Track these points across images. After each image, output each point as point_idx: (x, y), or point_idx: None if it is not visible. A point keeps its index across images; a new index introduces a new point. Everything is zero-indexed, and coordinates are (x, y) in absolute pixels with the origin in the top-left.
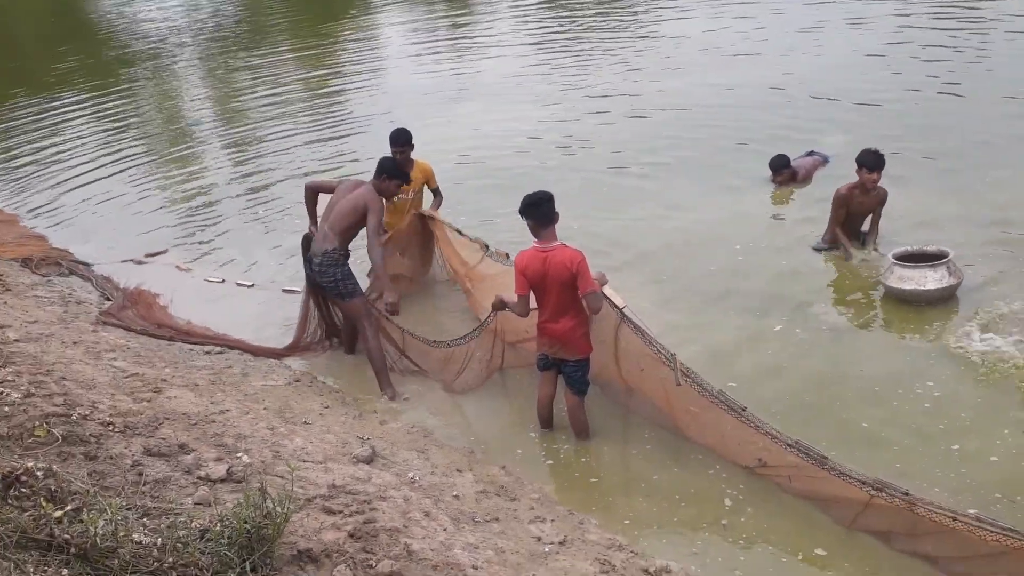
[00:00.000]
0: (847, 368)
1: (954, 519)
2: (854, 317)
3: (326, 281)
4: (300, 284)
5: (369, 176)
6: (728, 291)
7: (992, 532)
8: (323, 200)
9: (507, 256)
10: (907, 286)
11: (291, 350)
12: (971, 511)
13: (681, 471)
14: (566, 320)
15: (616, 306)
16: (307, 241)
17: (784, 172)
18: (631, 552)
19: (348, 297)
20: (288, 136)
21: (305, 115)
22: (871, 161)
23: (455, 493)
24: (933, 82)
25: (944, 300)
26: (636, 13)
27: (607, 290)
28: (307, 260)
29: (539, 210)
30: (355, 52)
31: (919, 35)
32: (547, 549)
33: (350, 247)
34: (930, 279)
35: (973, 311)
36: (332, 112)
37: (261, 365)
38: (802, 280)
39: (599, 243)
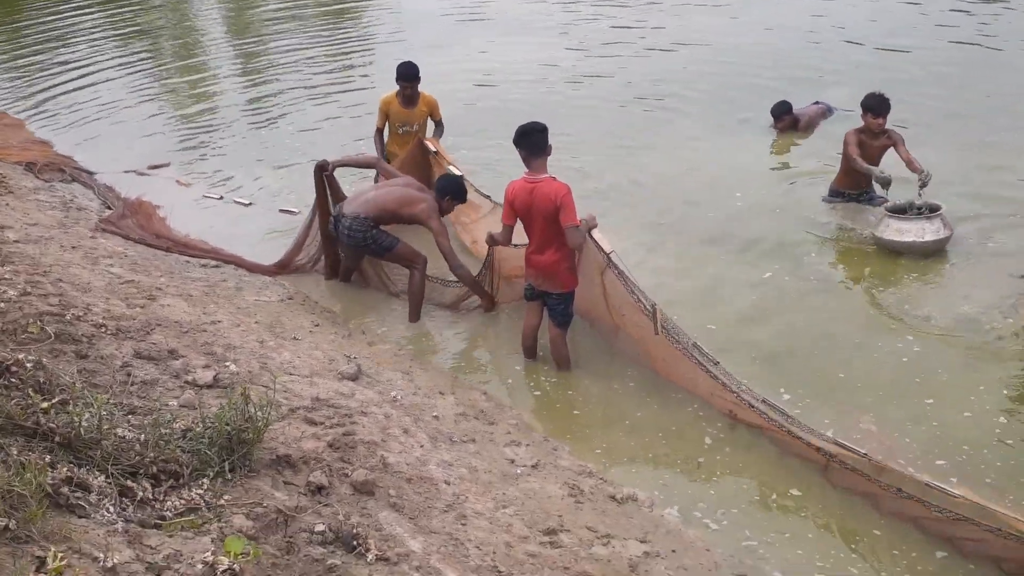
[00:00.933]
0: (831, 318)
1: (899, 489)
2: (844, 269)
3: (355, 242)
4: (298, 206)
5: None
6: (722, 235)
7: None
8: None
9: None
10: (906, 238)
11: (281, 268)
12: (922, 477)
13: (661, 409)
14: (550, 253)
15: (603, 250)
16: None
17: (785, 119)
18: (600, 479)
19: (388, 250)
20: (298, 50)
21: (317, 32)
22: (875, 105)
23: (435, 414)
24: (965, 32)
25: (937, 252)
26: None
27: (596, 234)
28: (335, 219)
29: (530, 139)
30: None
31: None
32: (519, 471)
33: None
34: (928, 231)
35: (960, 267)
36: (344, 30)
37: (255, 281)
38: (797, 229)
39: (597, 182)
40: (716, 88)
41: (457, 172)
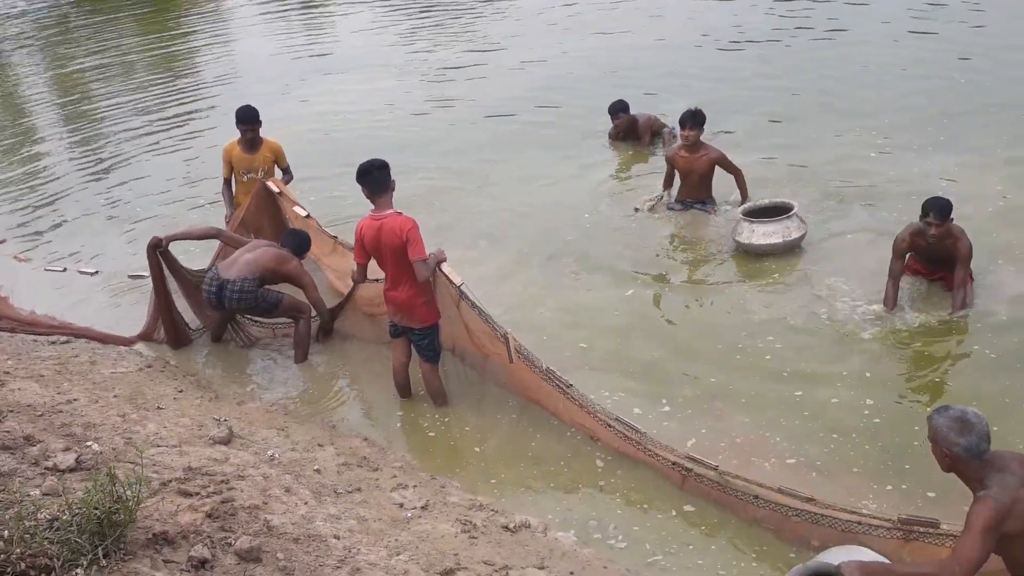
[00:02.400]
0: (699, 326)
1: (756, 497)
2: (705, 276)
3: (245, 305)
4: (147, 269)
5: None
6: (579, 256)
7: (793, 505)
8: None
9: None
10: (774, 239)
11: (142, 338)
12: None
13: (546, 436)
14: (404, 288)
15: (454, 283)
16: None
17: (622, 116)
18: (492, 511)
19: (276, 306)
20: (128, 103)
21: (147, 81)
22: (684, 117)
23: (316, 467)
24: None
25: (795, 248)
26: None
27: (445, 267)
28: (217, 287)
29: (371, 177)
30: (201, 26)
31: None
32: (409, 514)
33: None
34: (792, 229)
35: (813, 263)
36: (177, 78)
37: (111, 352)
38: (650, 243)
39: (446, 213)
40: (558, 110)
41: (303, 212)
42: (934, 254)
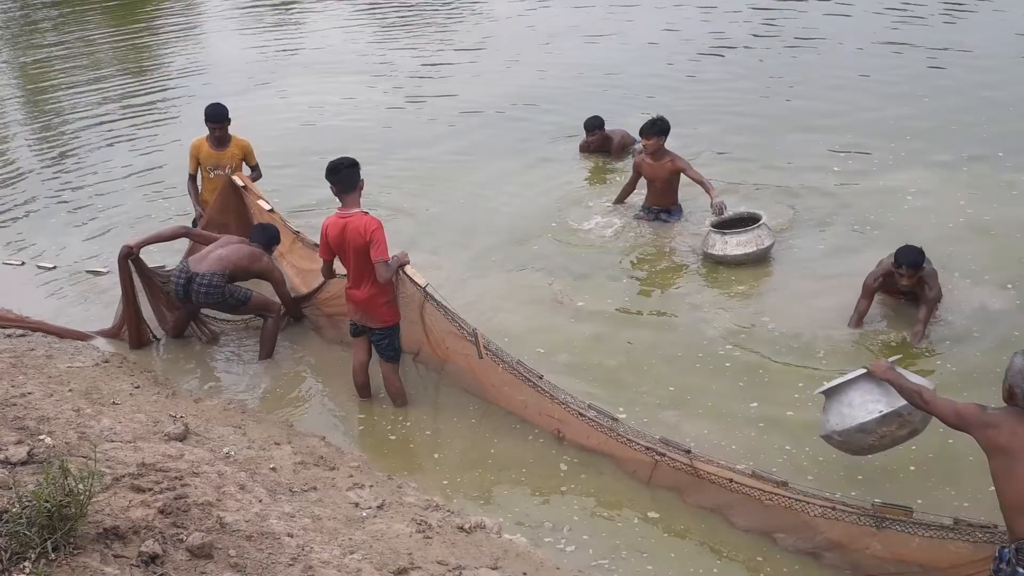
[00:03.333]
0: (656, 335)
1: (731, 481)
2: (665, 285)
3: (212, 300)
4: (106, 264)
5: None
6: (542, 263)
7: (767, 487)
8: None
9: (315, 245)
10: (748, 249)
11: (105, 336)
12: (750, 470)
13: (505, 437)
14: (366, 287)
15: (418, 284)
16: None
17: (597, 133)
18: (447, 511)
19: (244, 303)
20: (92, 96)
21: (113, 76)
22: (645, 127)
23: (272, 466)
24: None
25: (762, 260)
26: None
27: (409, 270)
28: (185, 279)
29: (340, 175)
30: (172, 21)
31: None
32: (364, 514)
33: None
34: (764, 239)
35: (778, 274)
36: (144, 73)
37: (67, 347)
38: (616, 251)
39: (416, 222)
40: (530, 116)
41: (267, 207)
42: (905, 290)
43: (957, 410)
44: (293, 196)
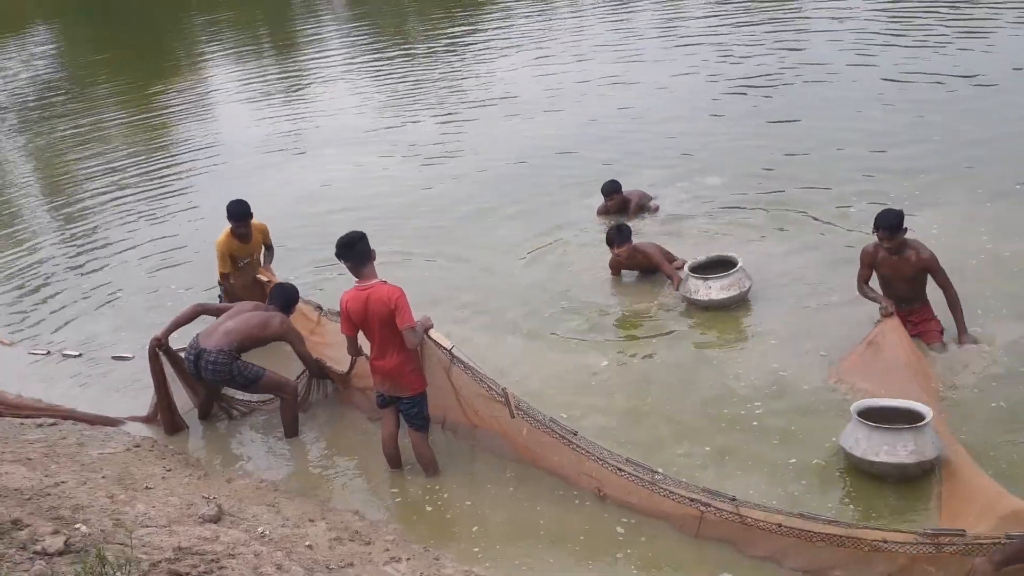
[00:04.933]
0: (677, 391)
1: (780, 526)
2: (670, 334)
3: (220, 377)
4: (131, 350)
5: None
6: (557, 325)
7: (818, 527)
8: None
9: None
10: (732, 292)
11: (143, 421)
12: (796, 512)
13: (548, 504)
14: (392, 357)
15: (444, 347)
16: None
17: (615, 197)
18: None
19: (255, 381)
20: (114, 193)
21: (134, 178)
22: (610, 236)
23: (308, 543)
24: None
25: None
26: (475, 57)
27: (433, 333)
28: (195, 356)
29: (353, 250)
30: (184, 110)
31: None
32: None
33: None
34: (745, 280)
35: (763, 315)
36: (159, 158)
37: (98, 434)
38: (625, 310)
39: (431, 287)
40: (537, 192)
41: (307, 304)
42: (900, 272)
43: None
44: (309, 273)
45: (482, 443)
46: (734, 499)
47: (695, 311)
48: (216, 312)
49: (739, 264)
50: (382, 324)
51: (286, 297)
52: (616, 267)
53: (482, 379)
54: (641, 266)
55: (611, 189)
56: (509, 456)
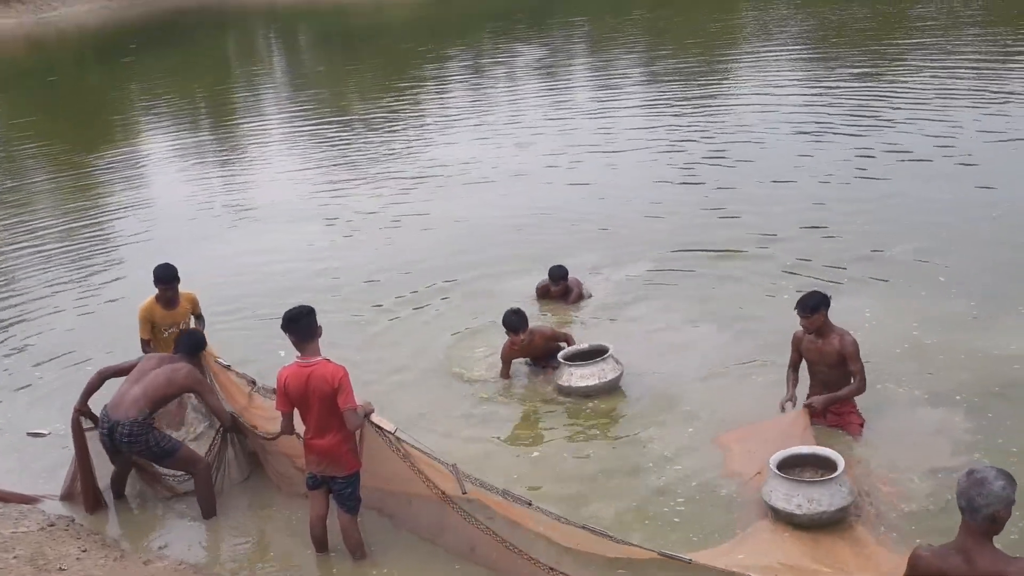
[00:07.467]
0: (560, 472)
1: None
2: (551, 425)
3: (136, 448)
4: (47, 426)
5: None
6: (484, 415)
7: None
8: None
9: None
10: (609, 376)
11: (62, 499)
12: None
13: None
14: (331, 436)
15: (388, 431)
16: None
17: (561, 283)
18: None
19: (170, 455)
20: (33, 264)
21: (52, 233)
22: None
23: None
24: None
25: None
26: (411, 135)
27: (375, 418)
28: (108, 429)
29: (298, 324)
30: (114, 182)
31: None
32: None
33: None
34: (608, 371)
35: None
36: (87, 240)
37: (11, 511)
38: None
39: (368, 371)
40: (482, 262)
41: (224, 363)
42: (824, 358)
43: None
44: (243, 349)
45: (412, 524)
46: (689, 561)
47: (569, 399)
48: (118, 372)
49: (608, 353)
50: (322, 402)
51: (192, 343)
52: (511, 356)
53: (430, 455)
54: (536, 351)
55: (559, 275)
56: (454, 541)
